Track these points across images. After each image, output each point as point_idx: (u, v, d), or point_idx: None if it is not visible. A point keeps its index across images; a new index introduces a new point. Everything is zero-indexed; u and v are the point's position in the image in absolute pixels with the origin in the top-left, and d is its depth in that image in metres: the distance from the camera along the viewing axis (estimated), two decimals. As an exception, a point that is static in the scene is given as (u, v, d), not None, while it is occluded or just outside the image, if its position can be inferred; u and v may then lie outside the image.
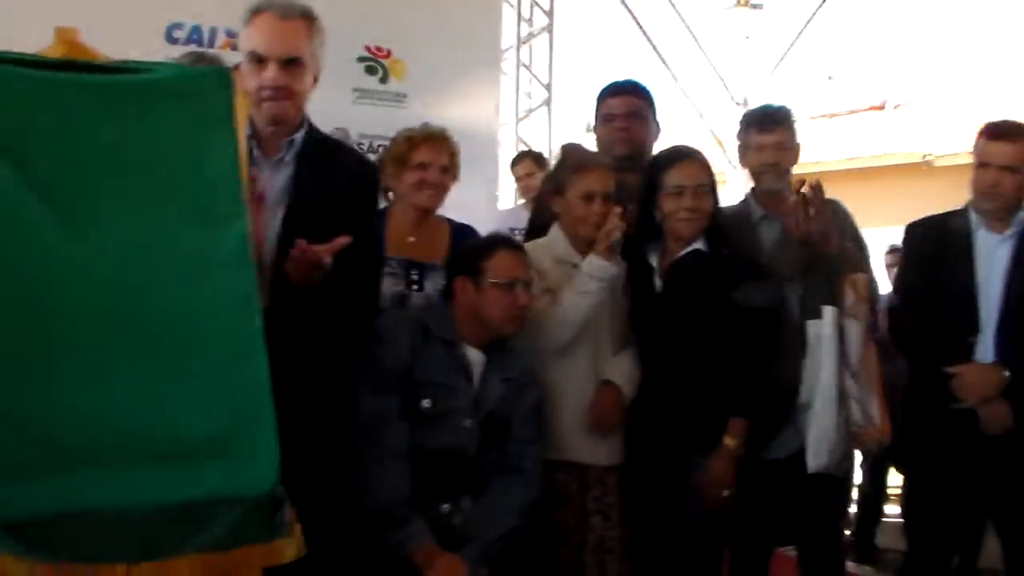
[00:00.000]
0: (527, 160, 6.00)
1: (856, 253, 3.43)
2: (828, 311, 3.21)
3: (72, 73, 2.24)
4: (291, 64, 2.68)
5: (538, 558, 3.08)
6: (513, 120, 7.72)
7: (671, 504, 3.24)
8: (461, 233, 3.55)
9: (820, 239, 3.22)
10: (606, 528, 3.21)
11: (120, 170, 2.22)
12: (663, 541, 3.26)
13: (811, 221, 3.19)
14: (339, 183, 2.77)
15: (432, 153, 3.43)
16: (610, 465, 3.24)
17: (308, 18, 2.74)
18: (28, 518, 2.00)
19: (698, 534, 3.22)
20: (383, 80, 6.52)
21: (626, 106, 3.67)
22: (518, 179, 6.04)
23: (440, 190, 3.45)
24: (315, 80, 2.80)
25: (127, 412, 2.11)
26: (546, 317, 3.15)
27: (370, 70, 6.45)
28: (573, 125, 7.92)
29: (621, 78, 3.81)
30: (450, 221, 3.59)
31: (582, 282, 3.14)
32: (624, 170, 3.44)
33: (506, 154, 6.81)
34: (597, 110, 3.74)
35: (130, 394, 2.11)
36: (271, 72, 2.66)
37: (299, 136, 2.78)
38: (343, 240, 2.54)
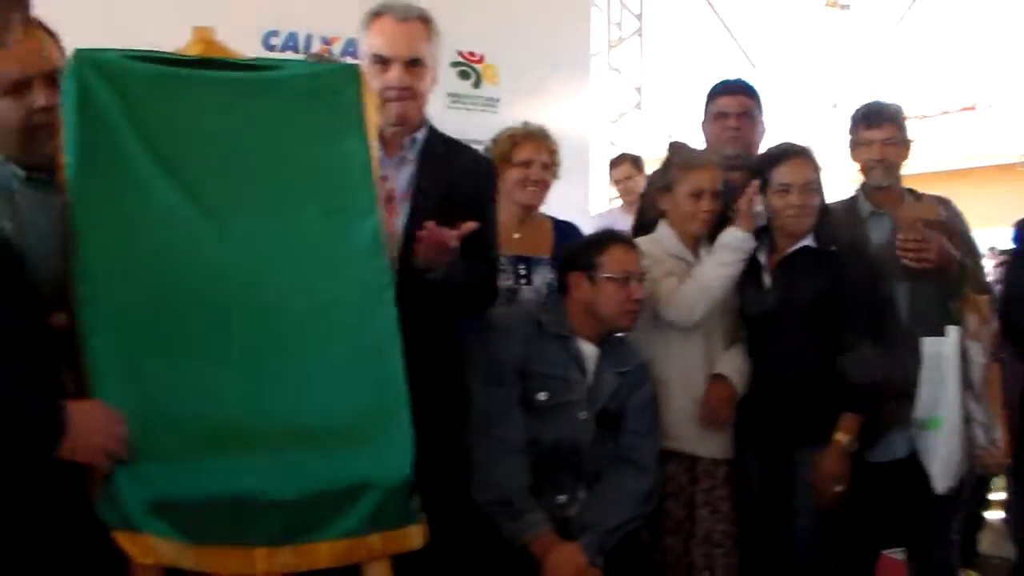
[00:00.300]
0: (626, 163, 6.03)
1: (977, 270, 3.41)
2: (952, 331, 3.20)
3: (209, 70, 2.33)
4: (413, 65, 2.75)
5: (649, 549, 3.10)
6: (604, 124, 7.74)
7: (779, 500, 3.25)
8: (563, 229, 3.65)
9: (941, 266, 3.24)
10: (715, 522, 3.21)
11: (257, 165, 2.30)
12: (771, 538, 3.27)
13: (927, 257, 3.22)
14: (460, 180, 2.83)
15: (534, 151, 3.52)
16: (720, 459, 3.26)
17: (425, 20, 2.82)
18: (176, 501, 2.07)
19: (808, 532, 3.22)
20: (476, 84, 6.62)
21: (739, 106, 3.67)
22: (616, 182, 6.07)
23: (543, 187, 3.55)
24: (434, 80, 2.87)
25: (273, 401, 2.18)
26: (679, 293, 3.17)
27: (463, 75, 6.55)
28: (664, 127, 7.88)
29: (732, 77, 3.82)
30: (551, 218, 3.68)
31: (720, 253, 3.16)
32: (732, 169, 3.46)
33: (597, 158, 6.82)
34: (707, 108, 3.74)
35: (275, 383, 2.19)
36: (395, 73, 2.72)
37: (420, 135, 2.84)
38: (471, 225, 2.60)
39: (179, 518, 2.07)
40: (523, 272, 3.43)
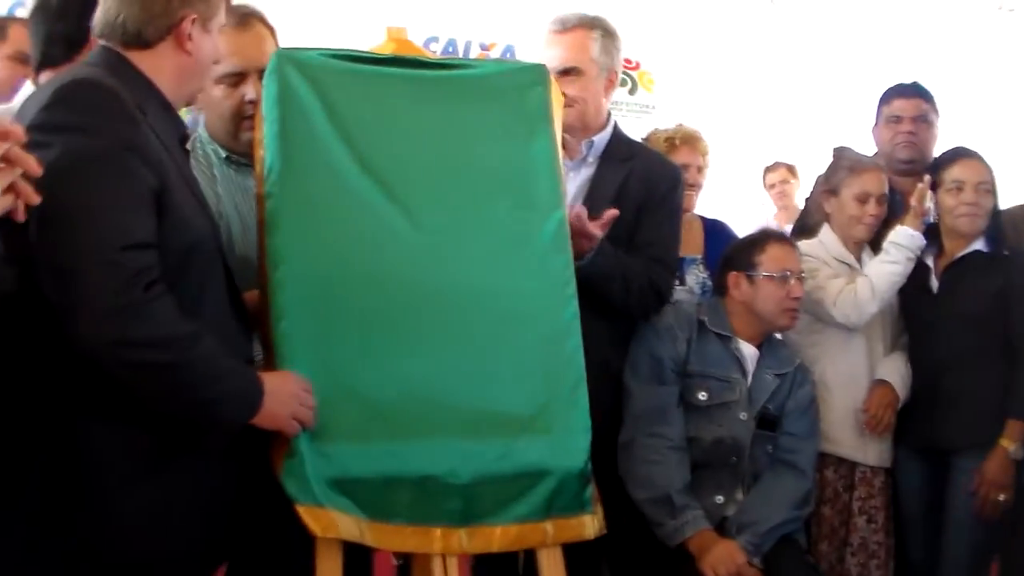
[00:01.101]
0: (782, 168, 6.01)
1: None
2: None
3: (402, 68, 2.41)
4: (567, 74, 2.81)
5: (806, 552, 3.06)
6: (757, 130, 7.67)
7: (938, 511, 3.19)
8: (714, 228, 3.68)
9: None
10: (871, 531, 3.18)
11: (448, 160, 2.37)
12: (928, 551, 3.21)
13: None
14: (634, 182, 2.88)
15: (690, 154, 3.55)
16: (877, 467, 3.22)
17: (589, 26, 2.87)
18: (359, 479, 2.14)
19: (967, 544, 3.14)
20: (632, 91, 6.67)
21: (914, 109, 3.59)
22: (771, 187, 6.04)
23: (697, 190, 3.58)
24: (611, 83, 2.94)
25: (456, 386, 2.25)
26: (848, 293, 3.14)
27: (620, 82, 6.60)
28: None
29: (907, 80, 3.72)
30: (702, 217, 3.71)
31: (889, 252, 3.14)
32: (902, 174, 3.44)
33: (750, 164, 6.79)
34: (879, 111, 3.68)
35: (459, 370, 2.25)
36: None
37: (599, 137, 2.91)
38: (612, 213, 2.65)
39: (361, 495, 2.14)
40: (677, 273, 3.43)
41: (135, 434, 1.95)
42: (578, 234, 2.60)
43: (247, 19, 2.48)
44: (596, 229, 2.64)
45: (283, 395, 2.07)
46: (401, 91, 2.39)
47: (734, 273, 3.07)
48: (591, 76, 2.89)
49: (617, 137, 2.97)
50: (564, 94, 2.76)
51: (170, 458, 1.99)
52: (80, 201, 1.81)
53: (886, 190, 3.25)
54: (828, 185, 3.34)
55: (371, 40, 2.57)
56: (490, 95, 2.46)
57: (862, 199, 3.23)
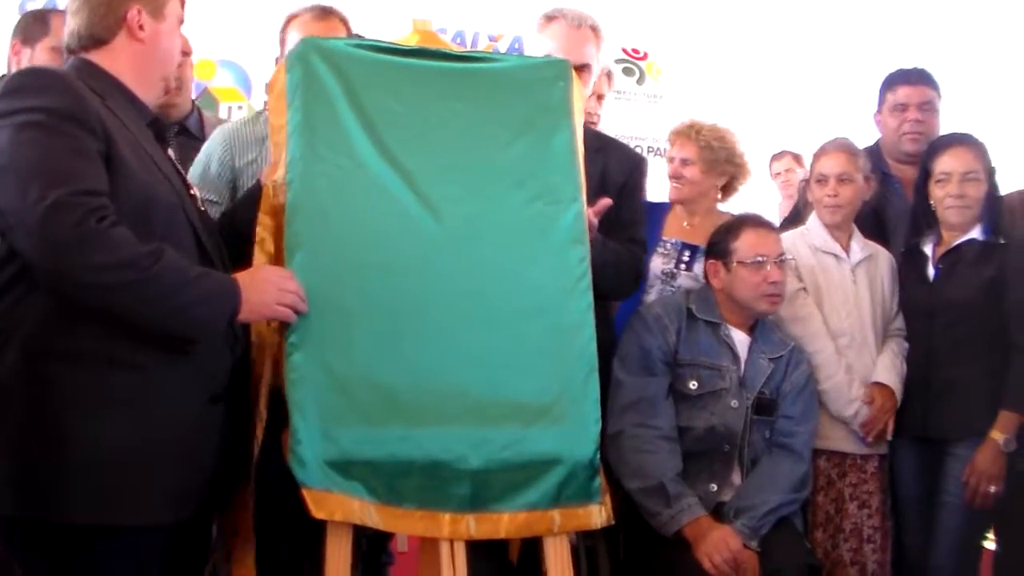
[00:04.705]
0: (787, 156, 6.01)
1: None
2: None
3: (426, 60, 2.44)
4: (581, 69, 2.85)
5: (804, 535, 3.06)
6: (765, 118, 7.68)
7: (930, 496, 3.19)
8: None
9: None
10: (864, 517, 3.19)
11: (470, 150, 2.41)
12: (920, 534, 3.22)
13: None
14: (615, 169, 2.97)
15: (678, 147, 3.51)
16: (869, 453, 3.23)
17: (595, 28, 2.96)
18: (366, 462, 2.17)
19: (954, 531, 3.15)
20: (639, 81, 6.70)
21: (920, 96, 3.57)
22: (775, 175, 6.05)
23: (685, 183, 3.48)
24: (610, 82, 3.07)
25: (469, 375, 2.28)
26: (810, 343, 3.19)
27: (627, 71, 6.63)
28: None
29: (908, 66, 3.68)
30: (730, 213, 3.63)
31: (836, 402, 3.20)
32: (906, 163, 3.47)
33: (756, 152, 6.82)
34: (883, 98, 3.65)
35: (473, 359, 2.29)
36: None
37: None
38: (606, 202, 2.68)
39: (371, 478, 2.17)
40: (686, 259, 3.46)
41: (107, 375, 1.98)
42: None
43: (327, 12, 2.70)
44: (594, 218, 2.65)
45: (260, 282, 2.11)
46: (425, 82, 2.41)
47: (711, 261, 3.10)
48: (593, 73, 2.99)
49: (588, 130, 3.02)
50: None
51: (142, 400, 2.01)
52: (29, 162, 1.91)
53: (850, 169, 3.26)
54: (809, 174, 3.38)
55: (395, 32, 2.62)
56: (513, 89, 2.48)
57: (820, 181, 3.27)
